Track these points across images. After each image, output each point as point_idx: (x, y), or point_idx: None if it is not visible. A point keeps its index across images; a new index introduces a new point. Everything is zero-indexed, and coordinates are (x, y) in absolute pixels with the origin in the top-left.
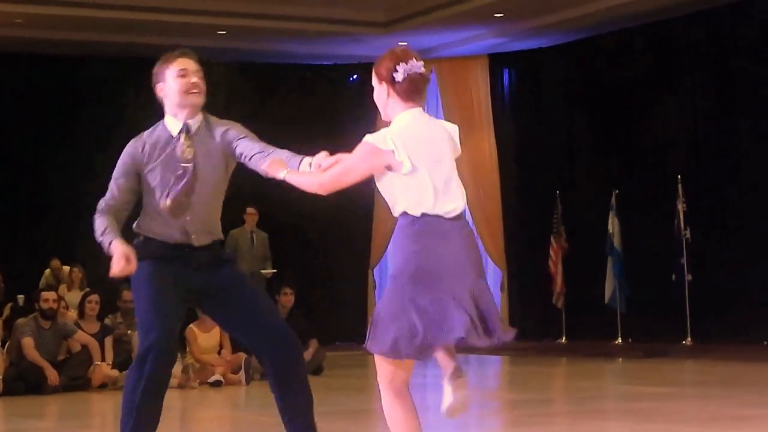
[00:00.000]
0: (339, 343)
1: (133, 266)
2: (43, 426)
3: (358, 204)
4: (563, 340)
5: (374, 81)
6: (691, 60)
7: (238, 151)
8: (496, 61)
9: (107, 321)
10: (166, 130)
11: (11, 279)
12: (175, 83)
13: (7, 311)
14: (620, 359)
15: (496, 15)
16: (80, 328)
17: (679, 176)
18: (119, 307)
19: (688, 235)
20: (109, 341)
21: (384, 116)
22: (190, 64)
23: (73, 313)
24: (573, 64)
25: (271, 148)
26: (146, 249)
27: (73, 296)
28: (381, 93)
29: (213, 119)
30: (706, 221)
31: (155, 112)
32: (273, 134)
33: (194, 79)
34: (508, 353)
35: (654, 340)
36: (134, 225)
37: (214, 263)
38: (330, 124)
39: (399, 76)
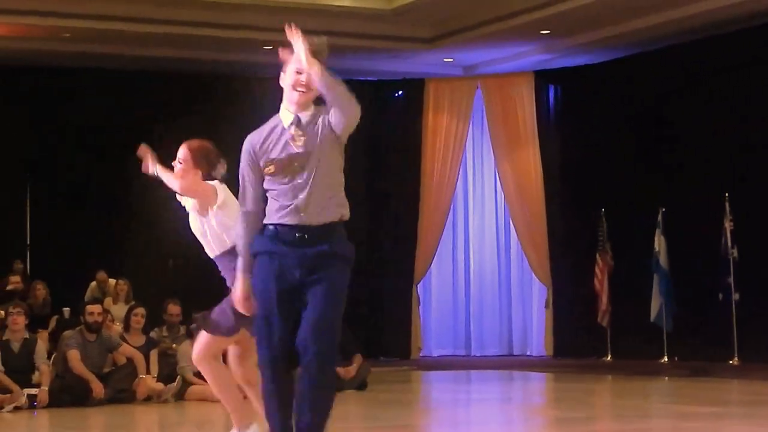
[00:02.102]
0: (383, 358)
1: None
2: None
3: (403, 219)
4: (608, 358)
5: None
6: (738, 77)
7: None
8: (542, 78)
9: (152, 334)
10: (280, 123)
11: (57, 291)
12: (290, 77)
13: (52, 324)
14: (666, 378)
15: (542, 32)
16: (125, 341)
17: (726, 194)
18: (164, 320)
19: (736, 254)
20: (154, 354)
21: None
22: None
23: (118, 326)
24: (619, 81)
25: None
26: (258, 241)
27: (119, 309)
28: None
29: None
30: (754, 240)
31: (199, 127)
32: None
33: (303, 78)
34: (554, 370)
35: (700, 359)
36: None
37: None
38: (375, 141)
39: None
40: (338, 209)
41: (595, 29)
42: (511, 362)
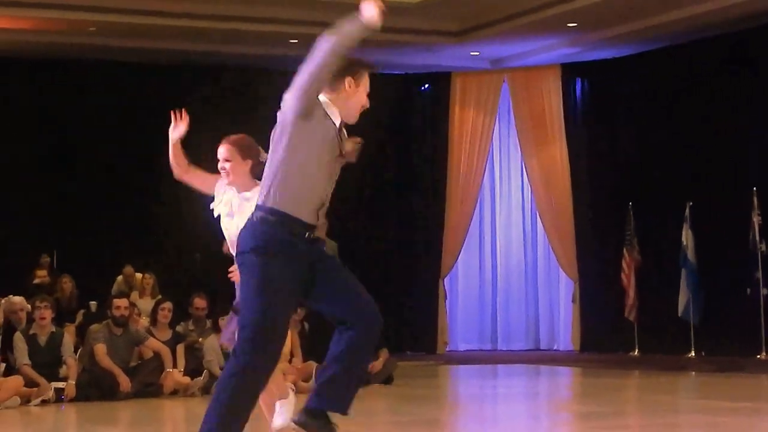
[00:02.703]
0: (409, 352)
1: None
2: (115, 431)
3: (430, 213)
4: (636, 353)
5: None
6: (767, 70)
7: None
8: (569, 71)
9: (179, 328)
10: (326, 110)
11: (84, 285)
12: (360, 96)
13: (79, 318)
14: (693, 373)
15: (569, 24)
16: (152, 335)
17: (754, 188)
18: (191, 314)
19: (764, 248)
20: (180, 348)
21: None
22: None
23: (145, 321)
24: (646, 75)
25: None
26: (279, 230)
27: (145, 303)
28: None
29: None
30: None
31: (227, 121)
32: None
33: (367, 104)
34: (581, 365)
35: (728, 354)
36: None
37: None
38: (402, 134)
39: None
40: None
41: (623, 22)
42: (537, 357)
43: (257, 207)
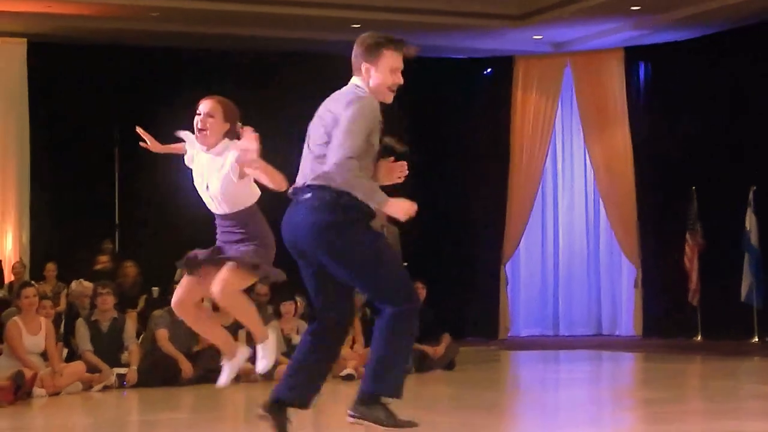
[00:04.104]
0: (470, 338)
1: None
2: (176, 417)
3: (492, 199)
4: (698, 338)
5: None
6: None
7: None
8: (632, 55)
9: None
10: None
11: (148, 271)
12: (385, 75)
13: (141, 303)
14: (756, 358)
15: (633, 7)
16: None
17: None
18: (253, 300)
19: None
20: (242, 334)
21: None
22: (401, 62)
23: (207, 306)
24: (711, 57)
25: None
26: (355, 209)
27: None
28: None
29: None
30: None
31: (287, 105)
32: (405, 128)
33: (400, 80)
34: (643, 351)
35: None
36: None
37: None
38: (464, 118)
39: None
40: None
41: (687, 5)
42: (599, 342)
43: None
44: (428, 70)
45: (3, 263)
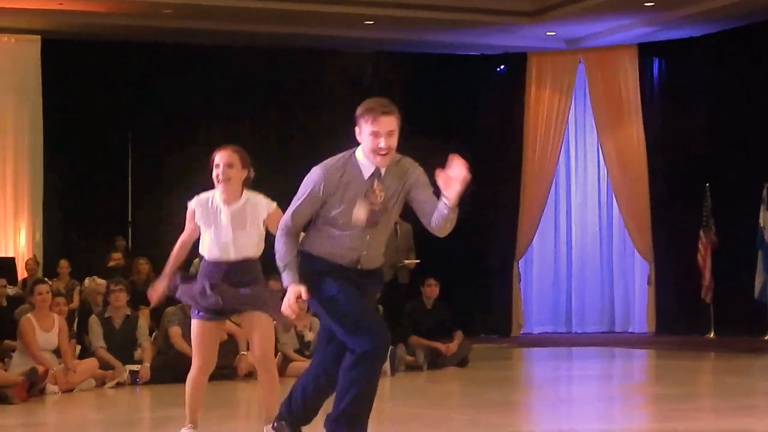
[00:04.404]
0: (483, 335)
1: (304, 306)
2: None
3: (504, 195)
4: (711, 335)
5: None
6: None
7: (415, 197)
8: (646, 51)
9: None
10: (358, 168)
11: (161, 268)
12: (368, 140)
13: None
14: None
15: (646, 4)
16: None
17: None
18: None
19: None
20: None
21: None
22: (384, 125)
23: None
24: (724, 54)
25: (435, 203)
26: (313, 266)
27: None
28: None
29: (399, 159)
30: None
31: (301, 101)
32: (418, 125)
33: (382, 143)
34: (655, 347)
35: None
36: (301, 242)
37: (372, 284)
38: (477, 115)
39: None
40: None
41: (701, 0)
42: (612, 339)
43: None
44: (441, 66)
45: (16, 260)
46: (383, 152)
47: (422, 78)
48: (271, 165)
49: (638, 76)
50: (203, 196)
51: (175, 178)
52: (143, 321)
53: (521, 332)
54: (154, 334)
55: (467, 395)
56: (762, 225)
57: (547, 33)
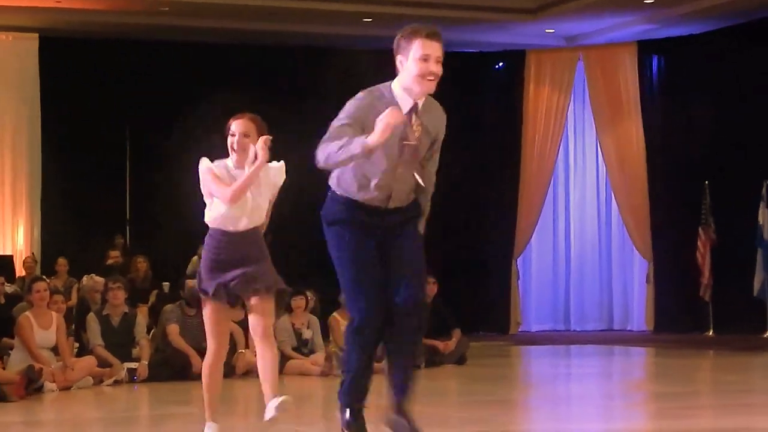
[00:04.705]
0: (482, 332)
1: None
2: (187, 411)
3: (503, 193)
4: (710, 333)
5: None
6: None
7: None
8: (645, 48)
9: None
10: (395, 102)
11: (159, 266)
12: (414, 65)
13: (152, 298)
14: None
15: (646, 1)
16: None
17: None
18: None
19: None
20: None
21: None
22: (435, 49)
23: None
24: (724, 51)
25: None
26: (341, 210)
27: None
28: None
29: (433, 102)
30: None
31: (299, 99)
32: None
33: (433, 68)
34: (654, 345)
35: None
36: (332, 181)
37: (400, 223)
38: (475, 113)
39: None
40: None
41: None
42: (611, 337)
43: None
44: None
45: (15, 258)
46: (431, 78)
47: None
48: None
49: (637, 73)
50: (216, 162)
51: (173, 177)
52: (141, 319)
53: (519, 330)
54: (152, 331)
55: (465, 393)
56: (761, 223)
57: (547, 30)
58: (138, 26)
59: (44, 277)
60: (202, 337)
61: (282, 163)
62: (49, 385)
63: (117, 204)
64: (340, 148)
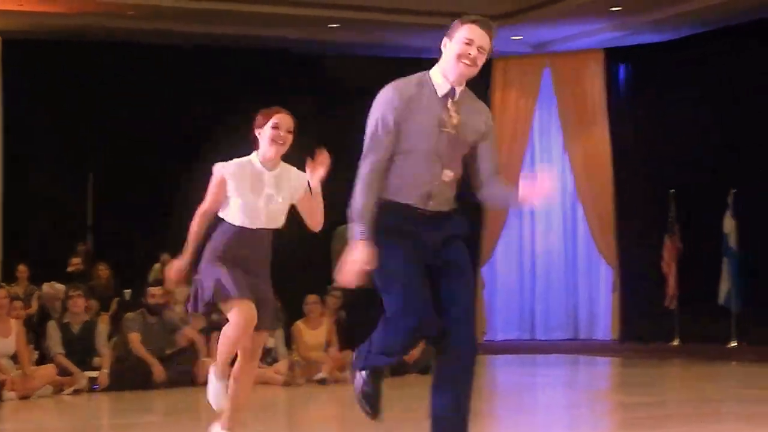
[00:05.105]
0: None
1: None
2: (149, 420)
3: (468, 201)
4: (676, 342)
5: None
6: None
7: (478, 152)
8: (612, 56)
9: (214, 317)
10: (432, 88)
11: (121, 273)
12: (456, 46)
13: (114, 306)
14: (734, 362)
15: (613, 8)
16: (187, 323)
17: None
18: None
19: None
20: (215, 337)
21: None
22: (480, 37)
23: (180, 309)
24: (691, 59)
25: (491, 165)
26: (385, 216)
27: (181, 291)
28: None
29: (473, 96)
30: None
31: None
32: None
33: (473, 52)
34: (620, 355)
35: None
36: None
37: (445, 229)
38: None
39: None
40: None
41: (667, 6)
42: (577, 346)
43: None
44: (406, 70)
45: None
46: (468, 61)
47: (388, 81)
48: None
49: (604, 81)
50: (238, 161)
51: (136, 184)
52: (102, 327)
53: (485, 339)
54: (113, 340)
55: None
56: (727, 232)
57: (513, 37)
58: (103, 29)
59: (3, 284)
60: (164, 344)
61: (304, 176)
62: (8, 393)
63: (80, 210)
64: (356, 206)
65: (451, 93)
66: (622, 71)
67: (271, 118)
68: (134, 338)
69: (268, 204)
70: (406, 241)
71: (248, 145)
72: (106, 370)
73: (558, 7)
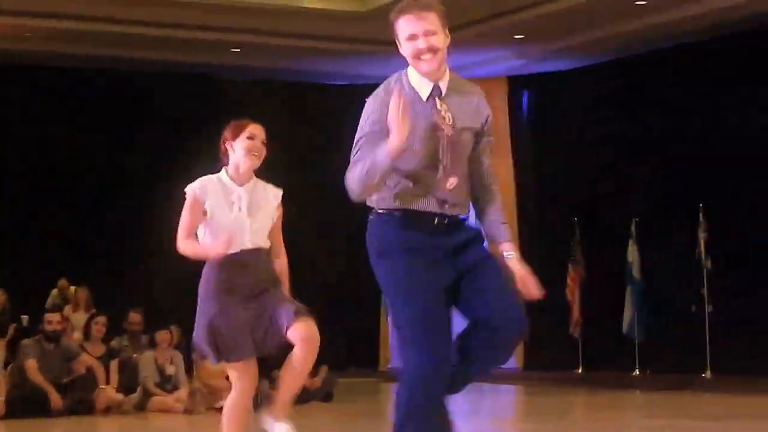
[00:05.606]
0: (352, 369)
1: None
2: None
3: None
4: (580, 371)
5: None
6: (711, 87)
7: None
8: (516, 84)
9: (113, 343)
10: (413, 90)
11: (18, 299)
12: (407, 48)
13: (11, 332)
14: (638, 391)
15: (516, 36)
16: (85, 350)
17: (701, 204)
18: (125, 329)
19: (709, 265)
20: (114, 364)
21: None
22: (417, 25)
23: (78, 335)
24: (594, 88)
25: (493, 187)
26: (390, 232)
27: (79, 317)
28: None
29: (465, 83)
30: (728, 251)
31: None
32: (291, 153)
33: (421, 44)
34: (524, 383)
35: (673, 372)
36: (370, 199)
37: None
38: (342, 147)
39: None
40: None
41: (570, 35)
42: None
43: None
44: (307, 96)
45: None
46: (424, 54)
47: (287, 107)
48: (136, 192)
49: (507, 109)
50: (207, 179)
51: (35, 207)
52: None
53: (389, 366)
54: (9, 366)
55: (335, 429)
56: (630, 260)
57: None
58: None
59: None
60: (62, 372)
61: (278, 190)
62: None
63: None
64: (366, 170)
65: (436, 92)
66: (525, 99)
67: (245, 128)
68: (31, 365)
69: (243, 222)
70: (416, 257)
71: (157, 171)
72: (2, 398)
73: (460, 35)
